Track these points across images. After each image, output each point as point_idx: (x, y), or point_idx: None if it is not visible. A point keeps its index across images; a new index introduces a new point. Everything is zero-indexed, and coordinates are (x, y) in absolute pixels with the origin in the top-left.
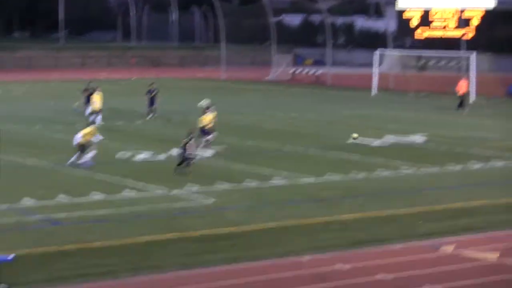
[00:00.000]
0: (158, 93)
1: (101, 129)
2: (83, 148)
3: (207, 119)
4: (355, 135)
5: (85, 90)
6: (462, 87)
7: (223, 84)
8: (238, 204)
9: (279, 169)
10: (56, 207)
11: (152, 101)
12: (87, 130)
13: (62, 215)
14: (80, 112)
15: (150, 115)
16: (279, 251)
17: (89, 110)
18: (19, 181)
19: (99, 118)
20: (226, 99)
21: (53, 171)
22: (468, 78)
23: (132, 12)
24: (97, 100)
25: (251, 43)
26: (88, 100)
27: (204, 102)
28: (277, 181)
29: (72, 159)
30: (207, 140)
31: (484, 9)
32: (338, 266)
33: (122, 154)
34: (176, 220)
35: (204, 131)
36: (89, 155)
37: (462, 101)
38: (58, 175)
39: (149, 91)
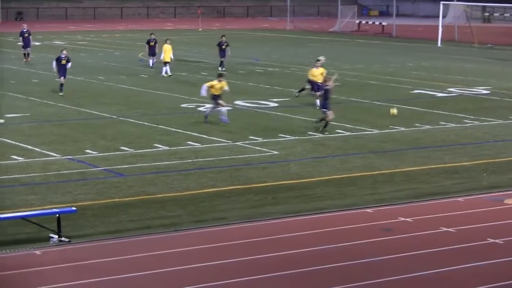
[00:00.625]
0: (228, 45)
1: (168, 80)
2: (216, 98)
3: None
4: (394, 110)
5: (148, 41)
6: None
7: (288, 35)
8: (302, 156)
9: (343, 121)
10: (120, 158)
11: (223, 53)
12: (213, 82)
13: (125, 166)
14: (144, 62)
15: (221, 67)
16: (343, 203)
17: (153, 61)
18: (82, 132)
19: (166, 69)
20: (291, 51)
21: (116, 122)
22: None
23: None
24: (166, 51)
25: None
26: (152, 52)
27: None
28: (341, 133)
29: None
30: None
31: None
32: (402, 218)
33: (186, 106)
34: (240, 172)
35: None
36: (221, 109)
37: None
38: (121, 126)
39: (220, 43)
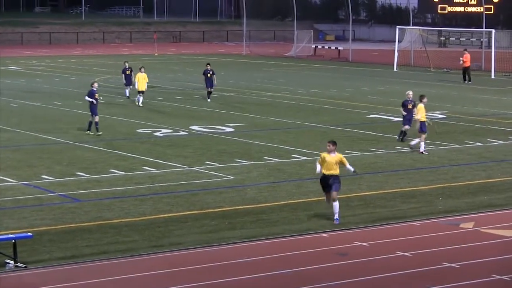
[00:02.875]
0: (214, 73)
1: (124, 105)
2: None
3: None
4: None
5: (124, 70)
6: (466, 60)
7: (244, 60)
8: (258, 181)
9: (299, 146)
10: (76, 183)
11: (209, 82)
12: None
13: (81, 192)
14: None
15: (208, 98)
16: (299, 228)
17: (129, 90)
18: (38, 157)
19: (139, 99)
20: (247, 75)
21: (72, 148)
22: (468, 52)
23: None
24: (140, 80)
25: (273, 18)
26: (128, 81)
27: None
28: (297, 157)
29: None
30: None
31: None
32: (358, 243)
33: (143, 131)
34: (196, 197)
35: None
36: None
37: (467, 74)
38: (77, 151)
39: (205, 72)
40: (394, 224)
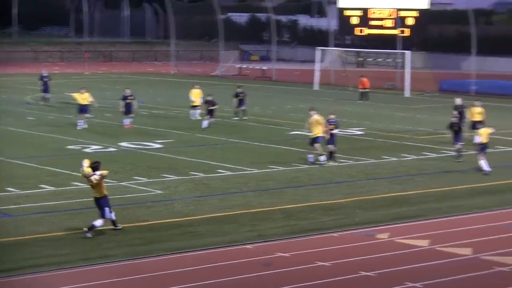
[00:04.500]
0: (246, 96)
1: (54, 122)
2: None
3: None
4: None
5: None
6: (364, 83)
7: (172, 79)
8: (185, 195)
9: (224, 161)
10: (6, 199)
11: (241, 102)
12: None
13: (12, 207)
14: (32, 105)
15: (240, 116)
16: (224, 240)
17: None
18: None
19: (80, 123)
20: (175, 93)
21: (2, 164)
22: (366, 76)
23: (85, 8)
24: (78, 98)
25: (200, 39)
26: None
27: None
28: (222, 172)
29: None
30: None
31: (418, 10)
32: (281, 254)
33: (73, 147)
34: (125, 211)
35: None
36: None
37: (364, 94)
38: (8, 167)
39: (237, 94)
40: (314, 235)
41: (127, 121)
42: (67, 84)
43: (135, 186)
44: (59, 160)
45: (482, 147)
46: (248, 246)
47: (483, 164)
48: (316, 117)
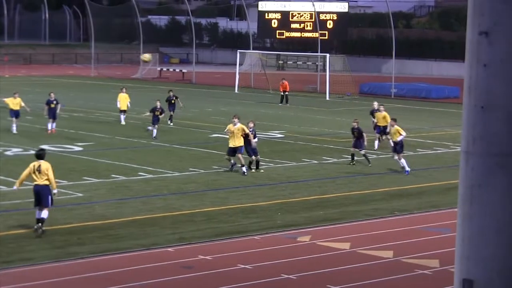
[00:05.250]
0: (177, 98)
1: None
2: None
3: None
4: (146, 57)
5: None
6: (284, 86)
7: (93, 81)
8: (106, 198)
9: (146, 163)
10: None
11: (172, 106)
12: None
13: None
14: None
15: (169, 121)
16: (145, 243)
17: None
18: None
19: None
20: (95, 96)
21: None
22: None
23: (5, 11)
24: (10, 103)
25: (120, 42)
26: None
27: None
28: (143, 175)
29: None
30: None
31: (338, 13)
32: (202, 256)
33: None
34: None
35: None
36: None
37: (285, 97)
38: None
39: (169, 98)
40: (236, 238)
41: (51, 126)
42: None
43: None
44: None
45: (398, 147)
46: (169, 249)
47: (404, 162)
48: (239, 125)
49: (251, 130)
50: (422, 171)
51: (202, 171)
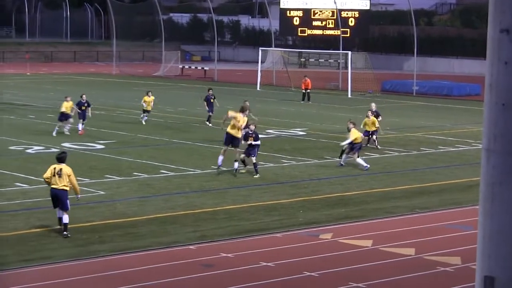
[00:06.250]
0: (215, 98)
1: None
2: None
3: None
4: None
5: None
6: (306, 84)
7: (114, 79)
8: (128, 196)
9: (168, 161)
10: None
11: (211, 106)
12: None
13: None
14: None
15: (208, 121)
16: (166, 241)
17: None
18: None
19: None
20: (117, 94)
21: None
22: (309, 77)
23: (27, 9)
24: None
25: (142, 39)
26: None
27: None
28: (165, 173)
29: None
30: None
31: (359, 10)
32: (224, 254)
33: (15, 148)
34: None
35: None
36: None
37: (307, 95)
38: None
39: (207, 98)
40: (257, 236)
41: (81, 127)
42: (9, 85)
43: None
44: (0, 161)
45: (356, 147)
46: (191, 247)
47: (361, 161)
48: (245, 118)
49: (251, 133)
50: (444, 168)
51: (224, 168)
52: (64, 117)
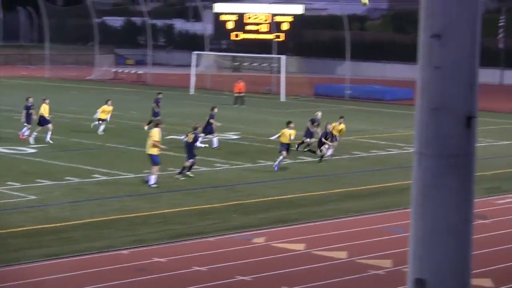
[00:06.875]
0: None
1: None
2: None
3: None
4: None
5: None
6: (239, 87)
7: (47, 83)
8: (60, 201)
9: (101, 165)
10: None
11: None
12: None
13: None
14: None
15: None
16: (100, 245)
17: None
18: None
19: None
20: (50, 97)
21: None
22: (243, 80)
23: None
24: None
25: (75, 43)
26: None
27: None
28: (98, 177)
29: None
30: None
31: (293, 15)
32: (157, 259)
33: None
34: None
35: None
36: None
37: (239, 99)
38: None
39: (156, 101)
40: (191, 240)
41: (26, 131)
42: None
43: (9, 192)
44: None
45: (286, 147)
46: (124, 252)
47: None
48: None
49: (195, 133)
50: (376, 172)
51: (158, 172)
52: (45, 121)
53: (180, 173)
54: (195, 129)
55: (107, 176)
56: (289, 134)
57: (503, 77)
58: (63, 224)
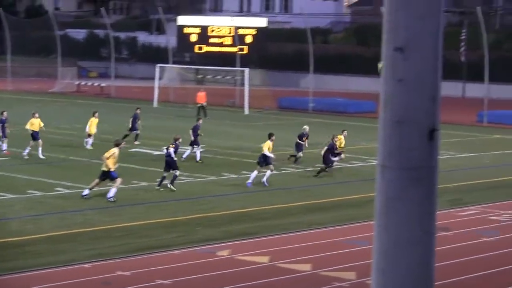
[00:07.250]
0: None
1: None
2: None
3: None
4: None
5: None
6: (201, 98)
7: (9, 95)
8: (21, 214)
9: (63, 179)
10: None
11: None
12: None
13: None
14: None
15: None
16: (63, 259)
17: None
18: None
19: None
20: (11, 110)
21: None
22: (204, 90)
23: None
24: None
25: (37, 55)
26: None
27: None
28: (60, 190)
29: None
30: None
31: (256, 28)
32: (120, 272)
33: None
34: None
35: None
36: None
37: (202, 110)
38: None
39: (134, 116)
40: (155, 253)
41: (6, 146)
42: None
43: None
44: None
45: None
46: (86, 265)
47: (253, 175)
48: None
49: (174, 143)
50: (339, 184)
51: (120, 186)
52: (37, 136)
53: (171, 183)
54: (176, 140)
55: (69, 190)
56: (268, 146)
57: (465, 90)
58: (25, 238)
